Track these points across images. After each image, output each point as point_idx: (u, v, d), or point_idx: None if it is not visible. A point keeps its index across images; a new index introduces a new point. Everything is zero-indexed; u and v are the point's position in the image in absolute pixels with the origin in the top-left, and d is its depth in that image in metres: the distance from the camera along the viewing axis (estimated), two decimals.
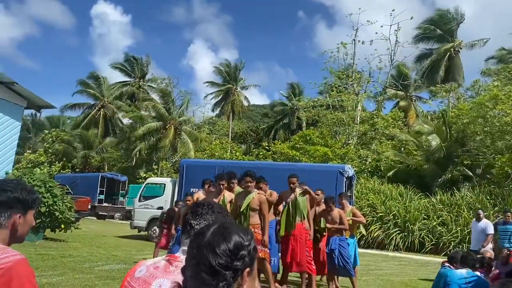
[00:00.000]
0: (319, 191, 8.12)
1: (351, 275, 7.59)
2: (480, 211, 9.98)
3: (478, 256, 6.22)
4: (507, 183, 18.78)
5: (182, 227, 1.83)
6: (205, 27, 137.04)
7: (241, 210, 6.52)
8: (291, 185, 7.08)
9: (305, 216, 7.20)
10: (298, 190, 7.14)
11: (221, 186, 6.96)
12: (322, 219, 7.78)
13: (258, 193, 6.64)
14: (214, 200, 6.63)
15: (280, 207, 7.40)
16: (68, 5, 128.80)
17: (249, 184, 6.61)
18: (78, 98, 41.75)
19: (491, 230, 9.26)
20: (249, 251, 1.19)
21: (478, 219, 9.53)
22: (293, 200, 7.14)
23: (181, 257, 1.71)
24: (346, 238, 7.79)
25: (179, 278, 1.65)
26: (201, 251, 1.16)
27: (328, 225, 7.60)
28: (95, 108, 40.94)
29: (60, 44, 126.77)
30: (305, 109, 36.97)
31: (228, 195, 6.97)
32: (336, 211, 7.65)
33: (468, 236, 16.42)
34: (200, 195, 7.83)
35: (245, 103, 47.19)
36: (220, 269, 1.13)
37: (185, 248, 1.75)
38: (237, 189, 7.26)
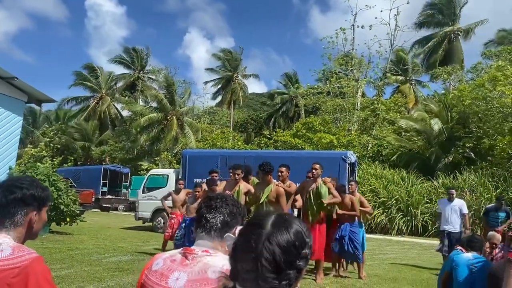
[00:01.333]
0: (353, 183, 8.25)
1: (358, 260, 7.67)
2: (453, 190, 9.79)
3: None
4: (509, 165, 18.81)
5: (197, 221, 1.84)
6: (199, 16, 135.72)
7: (260, 201, 6.50)
8: (313, 171, 6.96)
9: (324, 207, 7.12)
10: (319, 180, 7.03)
11: (237, 176, 6.79)
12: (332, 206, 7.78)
13: (276, 185, 6.58)
14: (228, 191, 6.64)
15: (298, 198, 7.27)
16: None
17: (263, 176, 6.59)
18: (76, 91, 41.76)
19: (466, 210, 9.30)
20: (310, 248, 1.11)
21: (451, 199, 9.42)
22: (314, 189, 7.03)
23: (196, 250, 1.73)
24: (359, 224, 7.84)
25: (196, 271, 1.68)
26: (261, 244, 1.04)
27: (340, 212, 7.63)
28: (94, 101, 40.84)
29: (55, 37, 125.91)
30: (305, 97, 36.86)
31: (244, 186, 6.84)
32: (347, 198, 7.67)
33: (471, 219, 16.54)
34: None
35: (246, 92, 47.02)
36: (284, 266, 1.03)
37: (201, 241, 1.78)
38: (254, 180, 7.20)
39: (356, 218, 7.80)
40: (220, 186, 7.15)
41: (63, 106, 42.72)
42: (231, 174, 6.97)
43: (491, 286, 1.82)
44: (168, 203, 9.97)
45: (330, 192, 7.07)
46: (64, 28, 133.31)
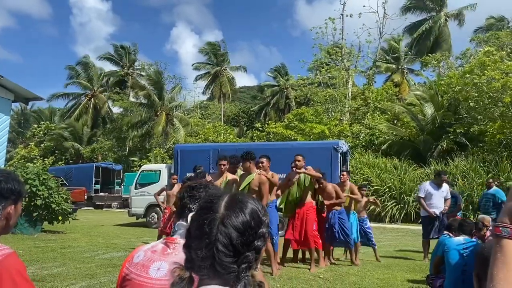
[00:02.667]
0: (345, 173, 8.40)
1: (350, 247, 7.74)
2: (445, 176, 9.77)
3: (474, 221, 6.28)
4: (500, 150, 18.95)
5: (179, 211, 1.81)
6: (184, 9, 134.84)
7: (240, 189, 6.52)
8: (296, 163, 7.11)
9: (312, 193, 7.34)
10: (303, 170, 7.16)
11: (222, 167, 6.84)
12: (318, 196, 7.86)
13: (258, 173, 6.63)
14: (216, 182, 6.65)
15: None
16: None
17: (245, 165, 6.65)
18: (67, 87, 41.27)
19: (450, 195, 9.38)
20: (267, 226, 1.06)
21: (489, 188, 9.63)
22: (298, 179, 7.20)
23: (178, 239, 1.69)
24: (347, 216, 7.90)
25: (179, 258, 1.64)
26: (216, 228, 0.99)
27: (326, 202, 7.69)
28: (85, 98, 40.48)
29: (40, 35, 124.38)
30: (295, 88, 36.80)
31: (230, 177, 6.89)
32: (330, 186, 7.73)
33: (463, 204, 16.66)
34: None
35: (234, 85, 46.93)
36: (242, 248, 0.98)
37: (183, 230, 1.74)
38: (239, 171, 7.26)
39: (343, 206, 7.90)
40: (208, 179, 7.17)
41: (53, 103, 42.33)
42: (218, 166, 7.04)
43: (477, 264, 1.80)
44: (161, 198, 9.97)
45: (313, 177, 7.25)
46: (48, 26, 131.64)
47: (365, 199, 8.87)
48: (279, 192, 7.44)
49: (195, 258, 1.00)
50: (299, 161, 7.10)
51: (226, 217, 1.00)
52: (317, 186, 7.62)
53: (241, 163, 6.86)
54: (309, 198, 7.37)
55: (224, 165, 6.84)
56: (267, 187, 6.56)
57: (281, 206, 7.70)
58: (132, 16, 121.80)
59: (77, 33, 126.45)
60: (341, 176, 8.38)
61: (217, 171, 7.15)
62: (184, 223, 1.49)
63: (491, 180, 10.10)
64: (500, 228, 1.00)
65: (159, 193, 10.12)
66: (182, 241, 1.68)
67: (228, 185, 6.83)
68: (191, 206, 1.76)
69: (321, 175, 7.42)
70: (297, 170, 7.09)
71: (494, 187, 10.02)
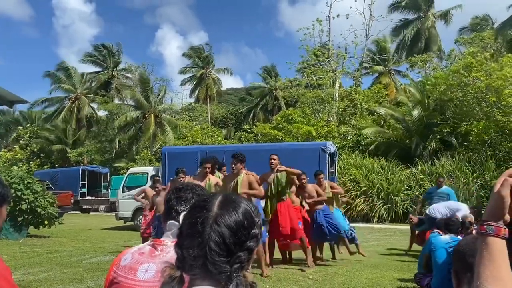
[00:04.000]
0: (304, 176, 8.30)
1: (343, 237, 7.88)
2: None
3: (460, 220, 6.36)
4: (484, 149, 19.24)
5: (166, 213, 1.79)
6: (167, 11, 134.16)
7: (238, 191, 6.51)
8: (271, 162, 7.14)
9: (289, 192, 7.38)
10: (281, 167, 7.21)
11: (206, 170, 6.93)
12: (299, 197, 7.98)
13: (246, 173, 6.67)
14: (200, 183, 6.68)
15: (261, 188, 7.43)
16: None
17: (233, 166, 6.66)
18: (50, 94, 40.66)
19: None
20: (259, 227, 1.06)
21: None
22: (274, 179, 7.22)
23: (165, 241, 1.68)
24: (331, 212, 8.02)
25: (165, 261, 1.62)
26: (209, 227, 0.98)
27: (308, 200, 7.78)
28: (69, 102, 39.99)
29: (21, 37, 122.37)
30: (284, 89, 36.89)
31: (213, 179, 7.00)
32: (310, 186, 7.89)
33: None
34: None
35: (220, 87, 46.94)
36: (234, 248, 0.98)
37: (171, 232, 1.72)
38: (218, 174, 7.34)
39: (325, 203, 8.03)
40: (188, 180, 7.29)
41: (36, 108, 41.70)
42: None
43: (454, 261, 1.82)
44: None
45: (290, 173, 7.28)
46: (29, 28, 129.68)
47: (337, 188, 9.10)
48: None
49: (187, 257, 0.99)
50: (274, 159, 7.13)
51: (220, 216, 0.99)
52: (297, 184, 7.68)
53: (233, 164, 6.81)
54: (287, 196, 7.39)
55: (209, 167, 6.90)
56: (257, 185, 6.64)
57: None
58: (116, 18, 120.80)
59: (60, 36, 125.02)
60: (319, 178, 8.49)
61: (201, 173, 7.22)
62: (176, 222, 1.48)
63: (441, 179, 10.19)
64: (485, 226, 1.02)
65: (138, 194, 10.06)
66: (169, 243, 1.67)
67: (218, 187, 6.86)
68: (178, 207, 1.75)
69: (300, 172, 7.48)
70: (278, 168, 7.10)
71: (446, 186, 10.22)
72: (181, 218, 1.12)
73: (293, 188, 7.82)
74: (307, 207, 8.06)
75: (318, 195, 7.82)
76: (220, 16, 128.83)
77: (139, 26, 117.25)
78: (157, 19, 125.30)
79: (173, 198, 1.80)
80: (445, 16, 35.39)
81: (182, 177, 9.74)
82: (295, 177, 7.50)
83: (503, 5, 25.57)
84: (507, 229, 1.01)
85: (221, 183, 7.00)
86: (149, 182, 15.24)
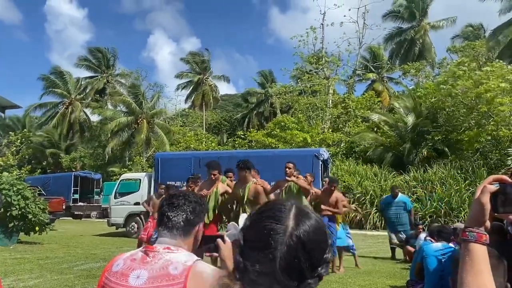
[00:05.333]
0: (308, 174, 8.17)
1: (333, 254, 7.82)
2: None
3: (452, 228, 6.40)
4: (476, 157, 19.39)
5: (159, 219, 1.80)
6: (158, 16, 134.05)
7: (244, 202, 6.37)
8: (286, 170, 6.94)
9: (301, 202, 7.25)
10: (293, 178, 7.02)
11: (213, 177, 6.57)
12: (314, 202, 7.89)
13: (254, 183, 6.43)
14: (207, 191, 6.53)
15: (272, 197, 7.30)
16: (16, 1, 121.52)
17: (242, 173, 6.43)
18: (44, 97, 40.45)
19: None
20: (331, 251, 0.96)
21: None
22: (286, 187, 7.09)
23: (157, 247, 1.68)
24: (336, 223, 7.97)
25: (157, 268, 1.62)
26: (283, 243, 0.86)
27: (323, 207, 7.70)
28: (63, 107, 39.80)
29: (12, 41, 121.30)
30: (278, 96, 37.02)
31: (221, 187, 6.70)
32: (334, 196, 7.79)
33: (442, 210, 16.97)
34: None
35: (217, 93, 46.95)
36: (307, 272, 0.88)
37: (163, 239, 1.72)
38: (223, 178, 7.16)
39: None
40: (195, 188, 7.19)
41: (30, 113, 41.43)
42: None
43: (455, 270, 1.85)
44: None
45: (301, 188, 7.09)
46: (20, 32, 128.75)
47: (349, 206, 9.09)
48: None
49: (251, 271, 0.88)
50: (289, 168, 6.95)
51: (296, 230, 0.88)
52: (313, 193, 7.60)
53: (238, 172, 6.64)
54: None
55: (215, 174, 6.55)
56: (264, 198, 6.32)
57: None
58: (108, 24, 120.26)
59: (51, 41, 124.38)
60: (324, 183, 8.46)
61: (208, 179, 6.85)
62: (235, 224, 1.39)
63: (396, 189, 10.23)
64: (467, 233, 1.04)
65: (148, 202, 10.00)
66: (161, 249, 1.67)
67: (227, 195, 6.69)
68: (169, 214, 1.76)
69: (309, 189, 7.29)
70: (287, 178, 6.96)
71: (401, 195, 10.25)
72: (241, 220, 1.01)
73: (308, 198, 7.51)
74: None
75: (336, 207, 7.76)
76: (211, 23, 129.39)
77: (131, 32, 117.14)
78: (148, 25, 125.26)
79: (165, 204, 1.80)
80: (438, 27, 35.77)
81: (163, 188, 9.60)
82: (308, 187, 7.30)
83: (496, 13, 25.63)
84: (488, 235, 1.03)
85: (230, 190, 6.72)
86: (141, 189, 15.22)
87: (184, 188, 8.16)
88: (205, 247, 1.86)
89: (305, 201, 7.41)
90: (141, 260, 1.65)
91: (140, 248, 1.74)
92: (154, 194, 10.34)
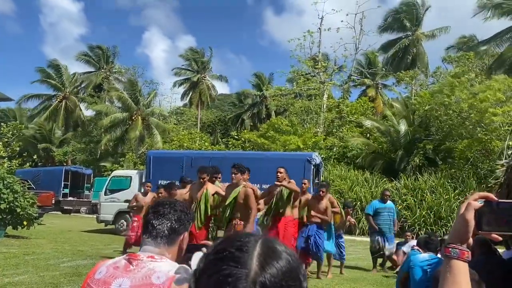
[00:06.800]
0: (306, 181, 8.24)
1: (319, 260, 7.83)
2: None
3: (439, 238, 6.44)
4: (467, 166, 19.55)
5: (143, 227, 1.79)
6: (153, 13, 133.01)
7: (227, 203, 6.39)
8: (278, 174, 7.00)
9: (291, 206, 7.29)
10: (285, 182, 7.07)
11: (202, 180, 6.64)
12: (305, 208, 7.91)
13: (244, 186, 6.43)
14: (197, 192, 6.57)
15: (261, 202, 7.27)
16: None
17: (233, 176, 6.50)
18: (37, 88, 40.27)
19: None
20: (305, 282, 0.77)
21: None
22: (278, 192, 7.17)
23: (141, 256, 1.67)
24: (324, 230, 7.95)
25: (139, 276, 1.62)
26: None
27: (313, 213, 7.72)
28: (56, 100, 39.55)
29: (6, 33, 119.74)
30: (273, 98, 37.05)
31: (211, 188, 6.74)
32: (324, 202, 7.78)
33: (431, 219, 17.08)
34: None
35: (215, 93, 46.84)
36: None
37: (147, 247, 1.72)
38: (217, 183, 7.17)
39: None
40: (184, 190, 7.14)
41: (23, 104, 41.10)
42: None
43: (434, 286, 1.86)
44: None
45: (291, 191, 7.17)
46: (13, 24, 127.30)
47: (349, 218, 9.02)
48: (261, 206, 7.29)
49: None
50: (281, 172, 7.01)
51: (261, 275, 0.70)
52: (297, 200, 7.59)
53: (233, 174, 6.65)
54: (288, 212, 7.31)
55: (204, 178, 6.62)
56: (254, 200, 6.34)
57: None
58: (103, 18, 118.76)
59: (46, 33, 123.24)
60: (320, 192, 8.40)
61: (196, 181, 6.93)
62: (186, 266, 1.28)
63: (388, 193, 9.89)
64: (450, 249, 1.04)
65: (132, 202, 9.93)
66: (145, 258, 1.67)
67: (218, 196, 6.70)
68: (154, 222, 1.75)
69: (299, 191, 7.35)
70: (277, 183, 7.00)
71: (389, 201, 9.90)
72: (194, 261, 0.90)
73: (296, 203, 7.63)
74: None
75: (326, 213, 7.75)
76: (205, 22, 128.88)
77: (126, 28, 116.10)
78: (142, 21, 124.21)
79: (151, 212, 1.79)
80: (432, 36, 36.02)
81: (149, 186, 9.67)
82: (299, 192, 7.38)
83: (486, 24, 25.47)
84: (470, 252, 1.04)
85: (221, 191, 6.71)
86: (132, 186, 15.15)
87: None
88: (189, 255, 1.85)
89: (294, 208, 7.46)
90: (124, 269, 1.65)
91: (124, 256, 1.73)
92: (139, 193, 10.24)
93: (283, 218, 7.22)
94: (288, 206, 7.29)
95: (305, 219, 7.90)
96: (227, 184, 7.03)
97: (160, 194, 8.80)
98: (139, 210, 9.37)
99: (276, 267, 0.72)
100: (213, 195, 6.68)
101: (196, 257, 0.86)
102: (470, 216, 1.03)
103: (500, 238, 1.09)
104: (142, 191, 10.39)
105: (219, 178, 7.52)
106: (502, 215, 1.03)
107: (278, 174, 7.03)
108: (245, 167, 6.56)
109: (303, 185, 8.05)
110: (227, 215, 6.35)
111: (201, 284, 0.74)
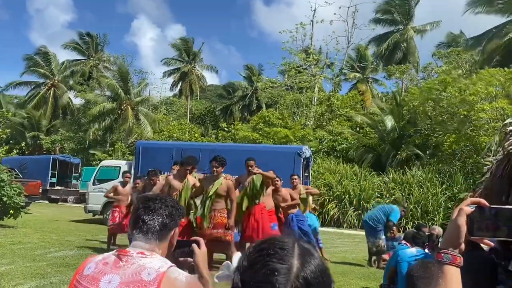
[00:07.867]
0: (295, 176, 8.71)
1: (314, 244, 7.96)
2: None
3: (427, 233, 6.51)
4: (454, 161, 19.75)
5: (133, 222, 1.76)
6: (141, 1, 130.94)
7: (209, 195, 6.61)
8: (249, 168, 7.14)
9: (264, 194, 7.37)
10: (257, 169, 7.25)
11: (187, 171, 6.93)
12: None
13: (225, 178, 6.69)
14: (178, 183, 6.76)
15: (236, 191, 7.45)
16: None
17: (214, 169, 6.69)
18: (24, 76, 39.63)
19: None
20: None
21: None
22: (250, 182, 7.25)
23: (131, 252, 1.65)
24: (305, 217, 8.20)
25: (129, 273, 1.60)
26: (289, 286, 0.80)
27: (282, 204, 7.86)
28: (45, 87, 39.00)
29: None
30: (264, 90, 36.97)
31: (191, 180, 6.99)
32: (284, 190, 8.03)
33: (418, 213, 17.28)
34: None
35: (204, 83, 46.63)
36: None
37: (137, 242, 1.69)
38: (194, 174, 7.34)
39: (298, 206, 8.23)
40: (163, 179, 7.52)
41: (10, 91, 40.47)
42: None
43: (407, 285, 1.89)
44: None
45: (265, 177, 7.29)
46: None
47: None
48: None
49: None
50: (251, 166, 7.16)
51: (302, 271, 0.82)
52: (271, 188, 7.70)
53: (214, 167, 6.80)
54: (262, 199, 7.41)
55: (189, 169, 6.93)
56: (235, 193, 6.66)
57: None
58: (91, 5, 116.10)
59: (32, 19, 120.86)
60: (292, 180, 8.60)
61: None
62: (230, 263, 1.25)
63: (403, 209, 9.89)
64: (442, 255, 1.04)
65: (109, 192, 9.94)
66: (135, 254, 1.64)
67: (195, 188, 6.89)
68: (145, 217, 1.72)
69: (274, 176, 7.54)
70: (254, 171, 7.13)
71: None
72: (235, 259, 0.98)
73: (269, 190, 7.78)
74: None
75: (292, 199, 7.92)
76: (194, 11, 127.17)
77: (114, 15, 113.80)
78: (130, 8, 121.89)
79: (141, 207, 1.77)
80: (423, 31, 36.15)
81: (128, 177, 9.82)
82: (272, 175, 7.53)
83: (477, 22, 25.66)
84: (462, 258, 1.04)
85: (198, 184, 7.00)
86: (121, 176, 15.04)
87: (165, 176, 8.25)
88: (179, 251, 1.83)
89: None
90: (114, 265, 1.62)
91: (113, 252, 1.70)
92: (118, 183, 10.22)
93: (257, 205, 7.31)
94: (261, 195, 7.39)
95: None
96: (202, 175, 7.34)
97: (136, 186, 8.86)
98: (120, 200, 9.45)
99: (313, 264, 0.84)
100: (192, 186, 6.95)
101: (237, 256, 0.99)
102: (462, 222, 1.04)
103: (492, 244, 1.09)
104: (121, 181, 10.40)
105: (195, 169, 7.63)
106: (494, 220, 1.04)
107: (249, 168, 7.17)
108: (225, 160, 6.79)
109: (293, 180, 8.32)
110: (207, 206, 6.58)
111: (247, 277, 0.84)
